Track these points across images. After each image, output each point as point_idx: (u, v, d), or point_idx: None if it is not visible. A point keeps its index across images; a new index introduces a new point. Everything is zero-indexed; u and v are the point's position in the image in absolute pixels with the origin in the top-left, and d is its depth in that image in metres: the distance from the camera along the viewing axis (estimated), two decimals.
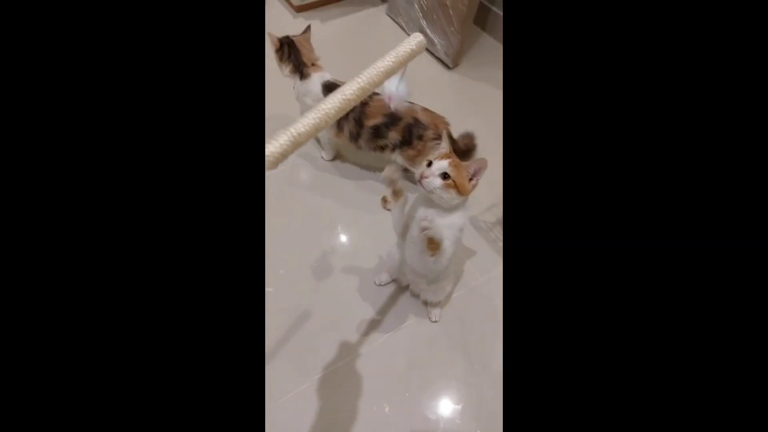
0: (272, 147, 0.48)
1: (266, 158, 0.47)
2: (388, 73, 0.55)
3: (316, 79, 1.23)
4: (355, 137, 1.23)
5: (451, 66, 1.78)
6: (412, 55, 0.58)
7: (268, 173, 0.47)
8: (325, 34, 1.90)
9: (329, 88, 1.22)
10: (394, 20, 1.98)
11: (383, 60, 0.55)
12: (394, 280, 1.16)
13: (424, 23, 1.79)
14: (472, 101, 1.68)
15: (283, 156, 0.48)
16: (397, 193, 0.87)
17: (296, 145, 0.49)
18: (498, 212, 1.32)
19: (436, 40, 1.77)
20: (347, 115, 1.16)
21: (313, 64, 1.26)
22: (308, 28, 1.31)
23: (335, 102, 0.51)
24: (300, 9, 1.97)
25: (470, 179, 0.82)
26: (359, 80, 0.53)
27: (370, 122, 1.19)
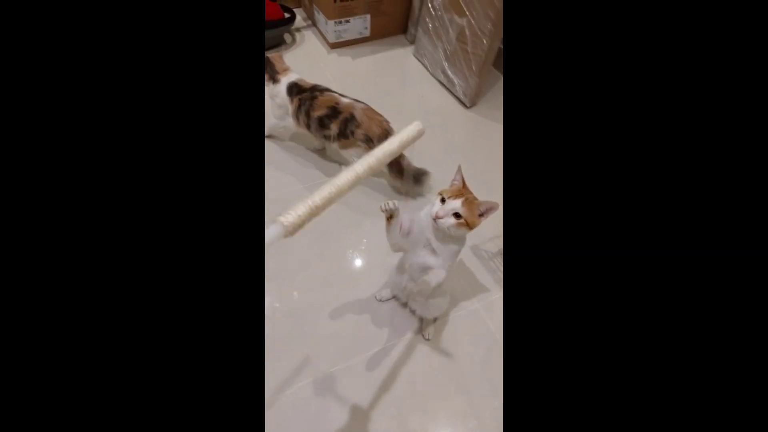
0: (291, 217, 0.53)
1: (285, 227, 0.52)
2: (393, 154, 0.66)
3: (283, 82, 1.49)
4: (307, 126, 1.46)
5: (468, 105, 1.90)
6: (413, 140, 0.69)
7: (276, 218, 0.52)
8: (355, 69, 2.08)
9: (291, 87, 1.47)
10: (419, 61, 2.14)
11: (389, 143, 0.66)
12: (394, 297, 1.23)
13: (446, 65, 1.93)
14: (482, 137, 1.79)
15: (301, 225, 0.55)
16: (391, 219, 0.91)
17: (313, 214, 0.56)
18: (500, 243, 1.38)
19: (456, 81, 1.91)
20: (300, 107, 1.42)
21: (283, 70, 1.53)
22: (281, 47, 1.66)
23: (348, 177, 0.59)
24: (334, 46, 2.16)
25: (480, 215, 0.87)
26: (369, 160, 0.62)
27: (317, 113, 1.40)
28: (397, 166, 1.44)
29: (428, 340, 1.16)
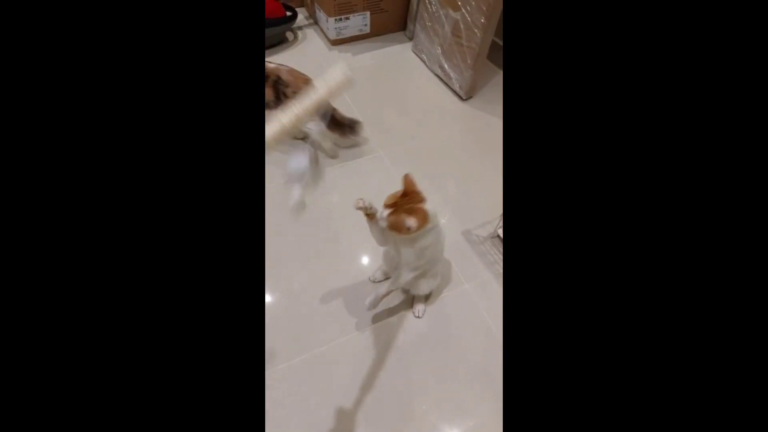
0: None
1: None
2: (321, 101, 0.63)
3: None
4: None
5: (464, 98, 1.96)
6: (341, 86, 0.65)
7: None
8: (356, 65, 2.14)
9: None
10: (417, 56, 2.19)
11: (317, 91, 0.64)
12: (388, 278, 1.29)
13: (442, 59, 1.99)
14: (477, 129, 1.84)
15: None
16: (370, 216, 0.98)
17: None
18: (490, 228, 1.44)
19: (452, 74, 1.96)
20: None
21: None
22: None
23: (273, 129, 0.60)
24: (335, 43, 2.22)
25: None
26: (295, 109, 0.62)
27: None
28: (332, 119, 1.56)
29: (419, 317, 1.22)
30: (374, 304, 1.09)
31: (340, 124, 1.58)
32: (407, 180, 0.94)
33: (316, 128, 1.56)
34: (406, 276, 1.06)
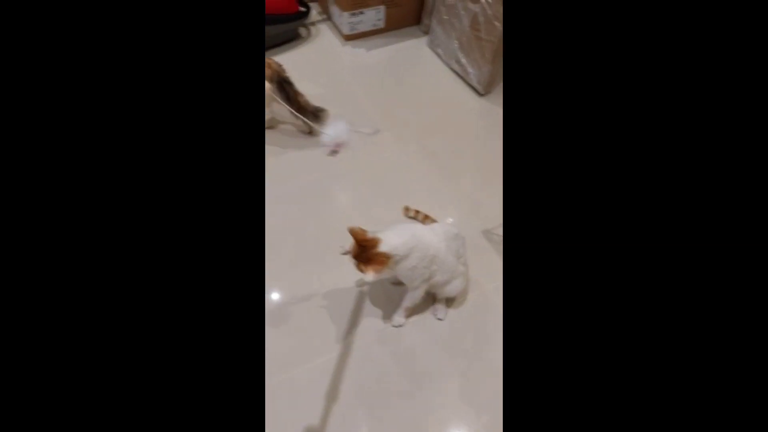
0: None
1: None
2: None
3: None
4: None
5: (482, 93, 1.90)
6: None
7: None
8: (370, 61, 2.10)
9: None
10: (433, 51, 2.14)
11: None
12: None
13: (460, 54, 1.93)
14: (496, 125, 1.78)
15: None
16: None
17: None
18: None
19: (469, 69, 1.90)
20: None
21: None
22: None
23: None
24: (348, 38, 2.18)
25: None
26: None
27: None
28: (296, 105, 1.55)
29: (440, 320, 1.18)
30: (400, 318, 1.17)
31: (303, 110, 1.56)
32: (353, 233, 0.96)
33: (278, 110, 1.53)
34: (414, 294, 1.09)
